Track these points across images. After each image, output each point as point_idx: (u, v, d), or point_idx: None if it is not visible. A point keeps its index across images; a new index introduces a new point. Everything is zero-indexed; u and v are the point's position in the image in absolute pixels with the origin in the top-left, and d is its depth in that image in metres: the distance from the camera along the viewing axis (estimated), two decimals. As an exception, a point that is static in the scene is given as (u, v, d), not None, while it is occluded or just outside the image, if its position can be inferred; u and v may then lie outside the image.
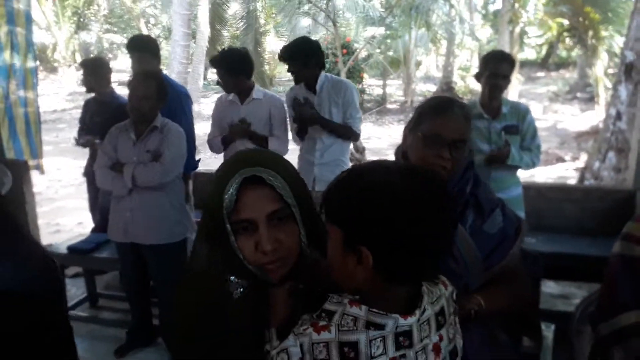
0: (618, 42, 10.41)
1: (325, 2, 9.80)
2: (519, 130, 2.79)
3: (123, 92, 3.55)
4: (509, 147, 2.72)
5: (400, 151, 1.47)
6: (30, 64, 4.13)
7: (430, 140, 1.36)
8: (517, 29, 14.42)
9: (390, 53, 16.11)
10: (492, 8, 19.67)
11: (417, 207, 0.79)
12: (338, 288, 0.87)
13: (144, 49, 3.11)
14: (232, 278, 0.96)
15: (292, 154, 3.15)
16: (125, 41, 19.65)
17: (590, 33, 10.34)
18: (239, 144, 3.02)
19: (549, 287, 2.43)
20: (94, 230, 3.64)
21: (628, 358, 1.23)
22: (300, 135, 3.18)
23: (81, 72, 3.61)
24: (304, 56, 2.97)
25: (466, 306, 1.27)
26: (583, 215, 3.16)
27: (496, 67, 2.74)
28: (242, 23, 16.97)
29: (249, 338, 0.95)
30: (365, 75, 14.43)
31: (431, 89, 17.08)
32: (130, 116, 2.59)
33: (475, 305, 1.30)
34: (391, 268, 0.81)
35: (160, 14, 19.92)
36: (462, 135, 1.36)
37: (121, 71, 16.38)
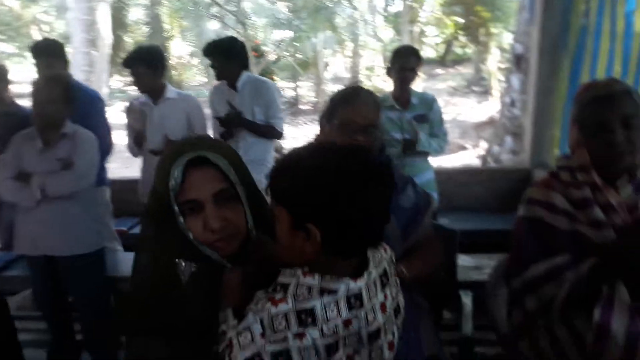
0: (507, 38, 11.31)
1: (234, 4, 9.75)
2: (427, 119, 2.98)
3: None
4: (418, 134, 2.90)
5: (319, 141, 1.56)
6: None
7: (345, 128, 1.47)
8: (417, 29, 15.21)
9: (299, 55, 16.33)
10: (392, 10, 20.59)
11: (360, 183, 0.85)
12: (288, 265, 0.92)
13: (51, 54, 2.96)
14: (181, 261, 0.98)
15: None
16: (16, 50, 18.16)
17: (482, 30, 11.15)
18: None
19: (464, 260, 2.64)
20: (1, 249, 3.39)
21: (540, 305, 1.38)
22: (225, 138, 3.18)
23: None
24: (227, 52, 2.98)
25: None
26: (488, 194, 3.43)
27: (405, 61, 2.92)
28: (146, 28, 16.44)
29: (202, 321, 0.97)
30: (276, 78, 14.51)
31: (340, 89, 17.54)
32: (34, 123, 2.45)
33: (399, 272, 1.41)
34: (339, 242, 0.87)
35: (55, 20, 18.69)
36: (373, 120, 1.49)
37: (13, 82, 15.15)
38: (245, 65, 3.10)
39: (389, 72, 3.00)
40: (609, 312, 1.30)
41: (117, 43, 15.17)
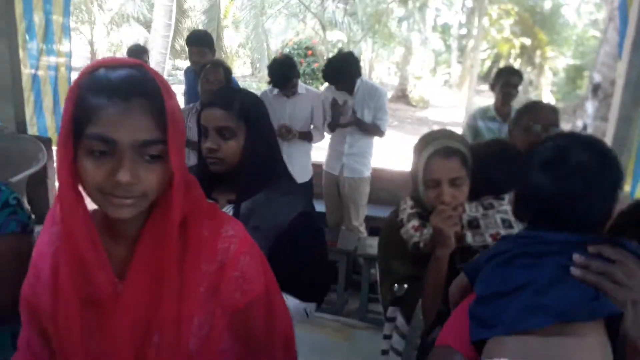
0: (562, 62, 11.53)
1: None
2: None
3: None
4: None
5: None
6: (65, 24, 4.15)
7: (531, 128, 1.88)
8: (468, 43, 15.47)
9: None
10: (440, 21, 20.87)
11: None
12: None
13: (202, 43, 3.43)
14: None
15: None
16: (75, 25, 18.81)
17: (539, 52, 11.40)
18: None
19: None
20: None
21: None
22: (333, 129, 3.61)
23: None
24: (355, 66, 3.40)
25: None
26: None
27: (508, 78, 3.30)
28: (204, 16, 16.98)
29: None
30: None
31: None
32: (201, 98, 2.95)
33: None
34: None
35: None
36: (553, 121, 1.89)
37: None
38: (360, 73, 3.52)
39: (492, 87, 3.38)
40: None
41: (176, 28, 15.81)
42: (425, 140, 1.44)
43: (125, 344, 0.82)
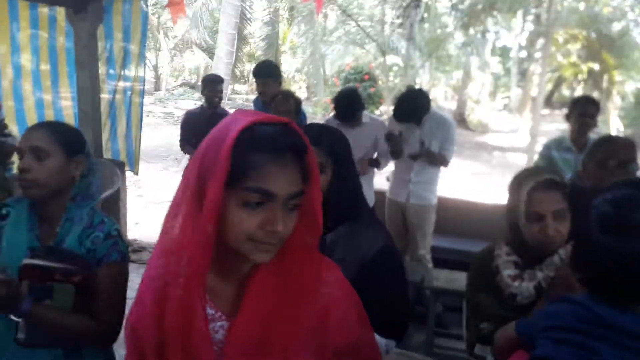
0: (630, 86, 11.02)
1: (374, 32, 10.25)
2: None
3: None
4: None
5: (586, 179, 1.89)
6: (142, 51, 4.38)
7: (606, 163, 1.80)
8: (529, 67, 15.08)
9: (397, 81, 16.65)
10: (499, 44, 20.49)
11: None
12: None
13: (269, 75, 3.50)
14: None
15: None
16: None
17: (606, 77, 10.96)
18: None
19: None
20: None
21: None
22: (396, 157, 3.58)
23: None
24: (426, 102, 3.44)
25: None
26: None
27: (584, 108, 3.15)
28: (263, 43, 17.45)
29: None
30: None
31: (442, 118, 17.63)
32: None
33: None
34: None
35: (175, 26, 20.10)
36: (631, 157, 1.80)
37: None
38: (429, 108, 3.49)
39: (568, 117, 3.24)
40: None
41: (236, 54, 16.34)
42: (523, 176, 1.43)
43: None
